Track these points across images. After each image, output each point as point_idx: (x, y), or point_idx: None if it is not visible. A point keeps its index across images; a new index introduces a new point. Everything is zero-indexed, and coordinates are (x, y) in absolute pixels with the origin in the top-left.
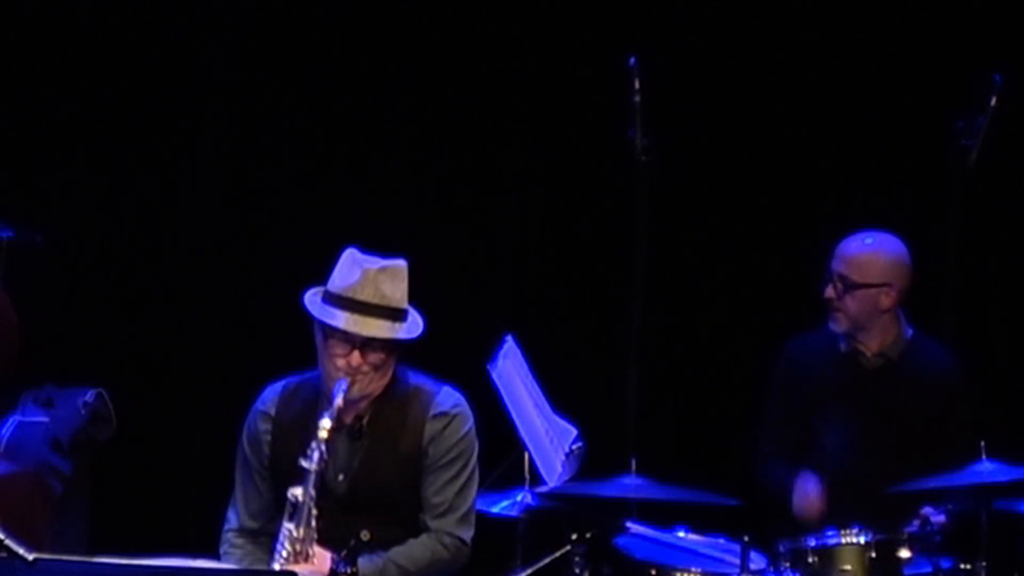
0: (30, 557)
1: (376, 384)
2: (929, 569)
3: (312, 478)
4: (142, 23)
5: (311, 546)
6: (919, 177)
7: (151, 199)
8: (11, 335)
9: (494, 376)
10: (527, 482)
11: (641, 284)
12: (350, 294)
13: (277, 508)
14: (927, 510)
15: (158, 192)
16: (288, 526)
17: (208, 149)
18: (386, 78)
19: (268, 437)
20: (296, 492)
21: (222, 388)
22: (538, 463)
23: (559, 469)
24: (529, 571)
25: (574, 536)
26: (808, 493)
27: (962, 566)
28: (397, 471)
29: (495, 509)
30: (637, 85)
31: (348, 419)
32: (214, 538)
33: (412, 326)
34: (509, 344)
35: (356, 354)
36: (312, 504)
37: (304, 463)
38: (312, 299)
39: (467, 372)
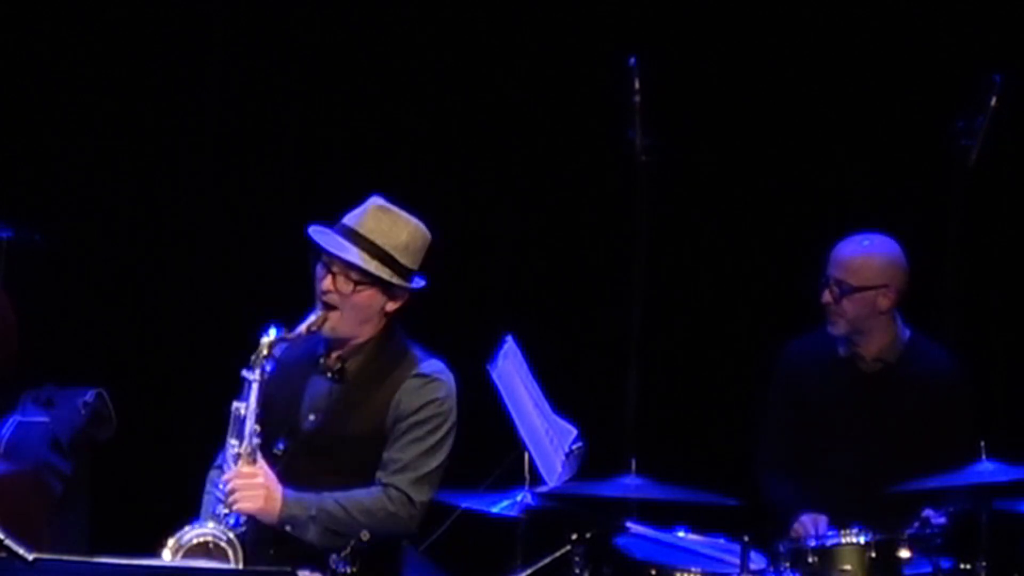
0: (30, 557)
1: (347, 326)
2: (929, 569)
3: (253, 390)
4: (142, 23)
5: (254, 462)
6: (919, 177)
7: (151, 199)
8: (11, 335)
9: (494, 376)
10: (527, 482)
11: (641, 284)
12: (346, 222)
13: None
14: (927, 512)
15: (158, 192)
16: (231, 441)
17: (209, 149)
18: (386, 78)
19: (267, 376)
20: (239, 405)
21: (222, 388)
22: (538, 463)
23: (559, 469)
24: (529, 571)
25: (574, 536)
26: (809, 527)
27: (962, 566)
28: (366, 421)
29: (495, 509)
30: (637, 85)
31: (331, 361)
32: None
33: (394, 275)
34: (509, 344)
35: (329, 278)
36: (253, 418)
37: (247, 373)
38: (316, 227)
39: (467, 372)
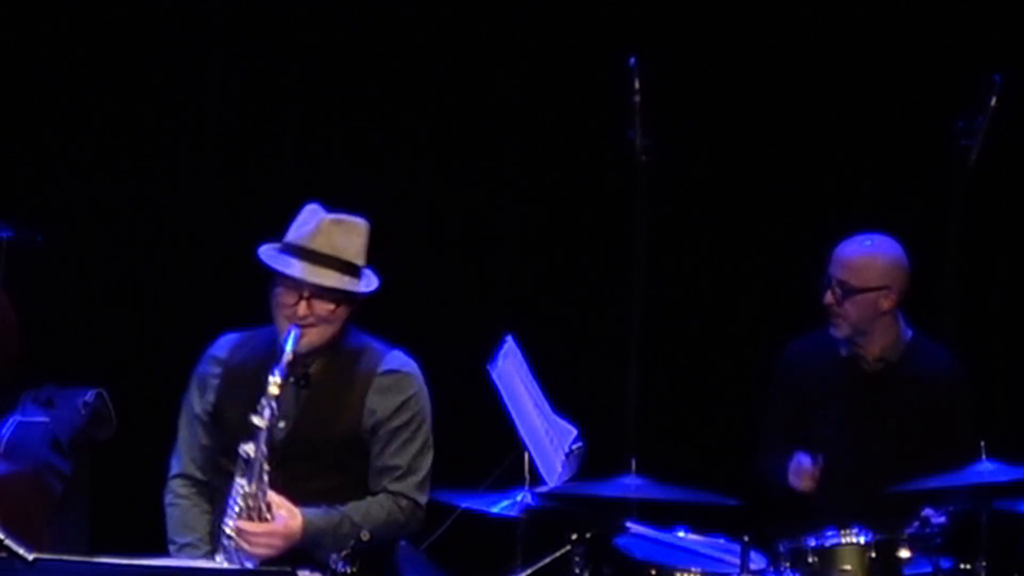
0: (30, 557)
1: (321, 337)
2: (929, 569)
3: (263, 435)
4: (142, 23)
5: (264, 502)
6: (919, 177)
7: (151, 199)
8: (11, 335)
9: (494, 376)
10: (527, 482)
11: (641, 284)
12: (303, 243)
13: (219, 462)
14: (927, 511)
15: (158, 192)
16: (240, 482)
17: (209, 149)
18: (386, 78)
19: (216, 381)
20: (247, 448)
21: None
22: (538, 463)
23: (559, 469)
24: (529, 571)
25: (574, 536)
26: (801, 464)
27: (962, 566)
28: (338, 423)
29: (495, 509)
30: (637, 85)
31: (294, 368)
32: None
33: (364, 283)
34: (509, 344)
35: (303, 304)
36: (264, 460)
37: (255, 419)
38: (267, 251)
39: (467, 372)
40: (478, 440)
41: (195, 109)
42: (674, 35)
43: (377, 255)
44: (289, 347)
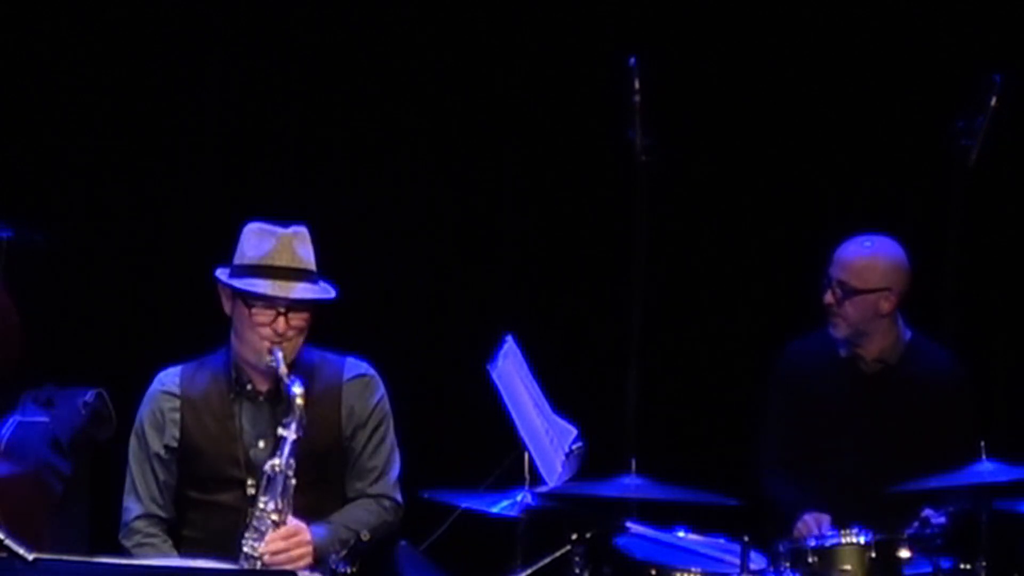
0: (30, 557)
1: (295, 350)
2: (929, 569)
3: (289, 446)
4: (142, 23)
5: (288, 517)
6: (919, 177)
7: (151, 199)
8: (13, 335)
9: (494, 376)
10: (527, 482)
11: (641, 284)
12: (268, 261)
13: (187, 495)
14: (927, 512)
15: (158, 192)
16: (263, 499)
17: (209, 149)
18: (386, 78)
19: (175, 415)
20: (274, 463)
21: None
22: (538, 463)
23: (559, 469)
24: (529, 571)
25: (574, 536)
26: (808, 523)
27: (962, 566)
28: (322, 435)
29: (495, 509)
30: (637, 85)
31: (264, 387)
32: None
33: (326, 287)
34: (509, 344)
35: (281, 320)
36: (291, 474)
37: (282, 431)
38: (229, 275)
39: (467, 372)
40: (478, 440)
41: (195, 109)
42: (674, 35)
43: (377, 255)
44: (282, 366)
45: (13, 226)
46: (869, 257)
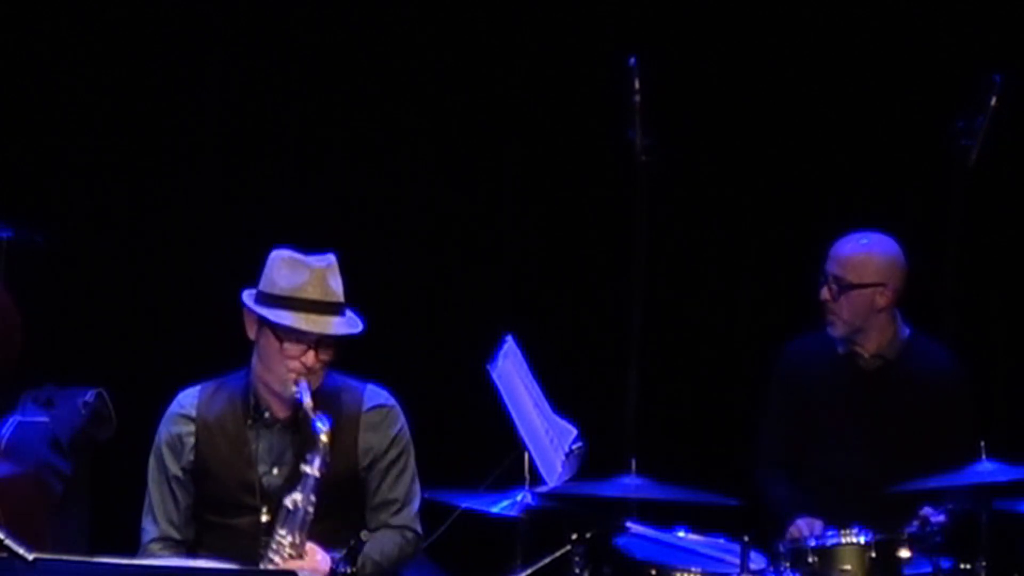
0: (30, 557)
1: (319, 381)
2: (929, 569)
3: (311, 483)
4: (142, 23)
5: (303, 550)
6: (919, 177)
7: (151, 199)
8: (14, 335)
9: (494, 376)
10: (527, 482)
11: (641, 284)
12: (301, 294)
13: (205, 517)
14: (927, 510)
15: (158, 192)
16: (280, 532)
17: (209, 149)
18: (386, 78)
19: (191, 440)
20: (295, 498)
21: None
22: (538, 463)
23: (559, 469)
24: (529, 571)
25: (574, 536)
26: (800, 528)
27: (962, 566)
28: (337, 464)
29: (495, 509)
30: (637, 85)
31: (282, 414)
32: None
33: (354, 318)
34: (509, 344)
35: (311, 353)
36: (311, 510)
37: (305, 467)
38: (263, 307)
39: (467, 372)
40: (478, 440)
41: (195, 109)
42: (674, 35)
43: (377, 255)
44: (307, 399)
45: (13, 226)
46: (864, 252)
